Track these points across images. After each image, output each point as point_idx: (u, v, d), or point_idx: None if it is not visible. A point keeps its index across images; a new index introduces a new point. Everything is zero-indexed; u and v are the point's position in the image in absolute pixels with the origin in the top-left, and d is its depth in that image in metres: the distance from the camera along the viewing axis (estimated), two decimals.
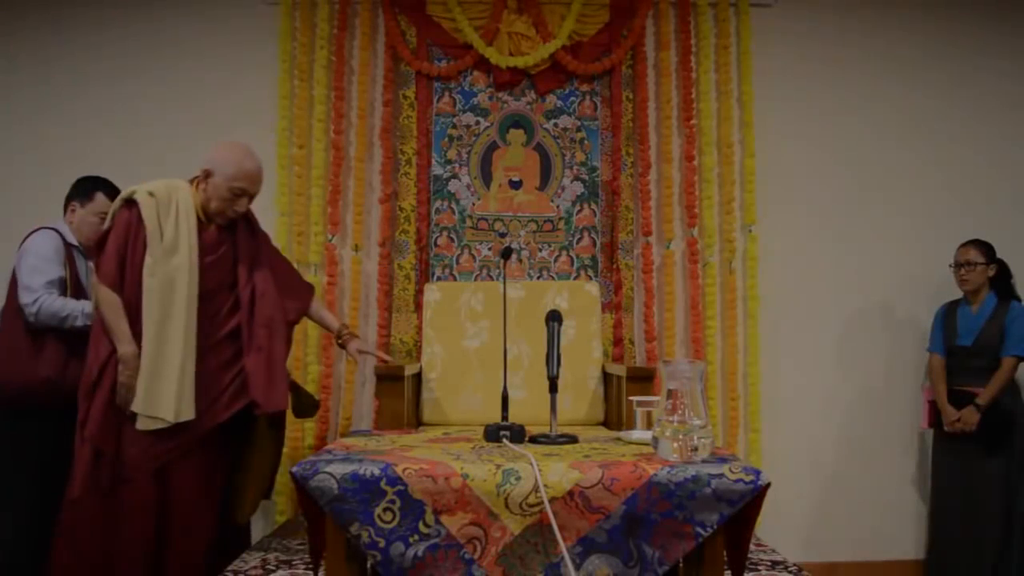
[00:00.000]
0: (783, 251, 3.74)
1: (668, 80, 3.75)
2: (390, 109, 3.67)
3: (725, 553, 1.62)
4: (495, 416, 2.27)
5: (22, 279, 2.68)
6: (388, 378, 2.82)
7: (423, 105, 3.69)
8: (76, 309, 2.68)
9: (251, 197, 2.60)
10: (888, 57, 3.84)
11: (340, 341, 2.84)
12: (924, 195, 3.80)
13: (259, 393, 2.48)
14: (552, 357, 1.89)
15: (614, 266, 3.66)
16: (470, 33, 3.63)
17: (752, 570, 2.41)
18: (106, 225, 2.53)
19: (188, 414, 2.39)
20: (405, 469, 1.53)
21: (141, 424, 2.35)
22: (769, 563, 2.50)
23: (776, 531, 3.57)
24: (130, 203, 2.49)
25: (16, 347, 2.65)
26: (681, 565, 1.65)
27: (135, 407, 2.36)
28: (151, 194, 2.49)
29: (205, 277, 2.51)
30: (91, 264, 2.80)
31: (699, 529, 1.52)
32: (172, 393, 2.36)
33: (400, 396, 2.74)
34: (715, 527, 1.52)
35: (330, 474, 1.53)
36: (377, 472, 1.53)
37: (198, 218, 2.54)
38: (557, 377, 1.89)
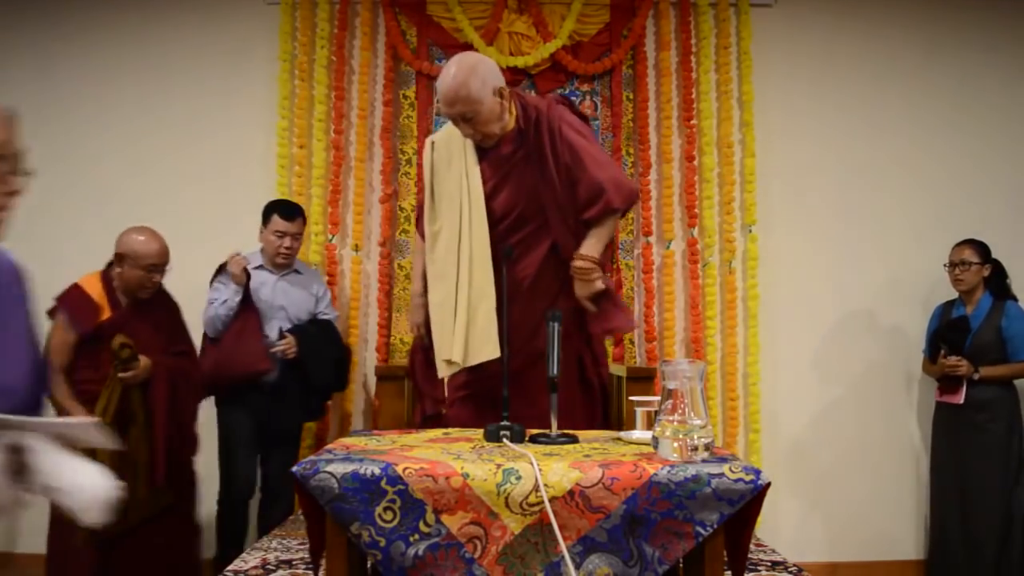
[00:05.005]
0: (783, 251, 3.74)
1: (668, 80, 3.75)
2: (390, 109, 3.67)
3: (725, 553, 1.61)
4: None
5: None
6: (388, 378, 2.81)
7: (423, 105, 3.69)
8: (213, 299, 3.05)
9: (462, 114, 2.37)
10: (887, 57, 3.84)
11: None
12: (925, 194, 3.80)
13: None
14: (552, 357, 1.88)
15: (614, 266, 3.66)
16: (470, 33, 3.63)
17: (752, 570, 2.40)
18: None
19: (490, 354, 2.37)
20: (405, 469, 1.53)
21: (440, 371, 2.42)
22: (769, 563, 2.50)
23: (776, 531, 3.57)
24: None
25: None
26: (681, 565, 1.65)
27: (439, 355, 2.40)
28: (432, 142, 2.54)
29: (491, 205, 2.39)
30: (276, 278, 3.19)
31: (699, 529, 1.51)
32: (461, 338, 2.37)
33: (400, 396, 2.74)
34: (715, 527, 1.52)
35: (330, 473, 1.53)
36: (377, 471, 1.53)
37: (478, 148, 2.43)
38: (557, 377, 1.89)
